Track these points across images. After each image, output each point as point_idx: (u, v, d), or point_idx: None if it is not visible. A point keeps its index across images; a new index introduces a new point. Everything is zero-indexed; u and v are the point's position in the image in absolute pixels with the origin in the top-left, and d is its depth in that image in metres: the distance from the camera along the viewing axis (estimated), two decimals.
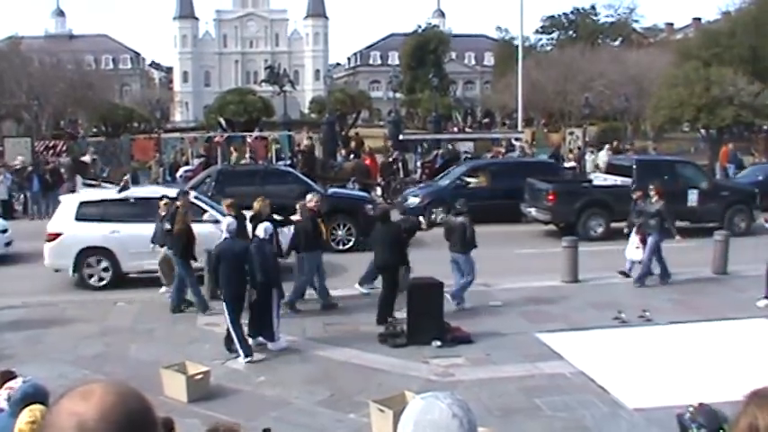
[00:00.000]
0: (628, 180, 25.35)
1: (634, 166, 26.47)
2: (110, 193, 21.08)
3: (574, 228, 24.41)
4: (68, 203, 19.74)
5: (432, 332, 14.16)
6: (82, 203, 19.45)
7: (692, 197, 25.56)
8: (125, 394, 2.03)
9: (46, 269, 19.08)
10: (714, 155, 42.88)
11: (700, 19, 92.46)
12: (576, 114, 65.52)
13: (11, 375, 7.15)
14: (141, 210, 18.86)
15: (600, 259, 20.21)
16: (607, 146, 43.36)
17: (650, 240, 18.28)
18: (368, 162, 37.59)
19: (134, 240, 18.42)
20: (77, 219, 18.94)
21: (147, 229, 17.66)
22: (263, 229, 14.28)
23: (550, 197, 25.37)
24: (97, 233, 18.82)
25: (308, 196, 17.77)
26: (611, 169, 28.67)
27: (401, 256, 16.10)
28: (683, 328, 15.15)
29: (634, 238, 18.69)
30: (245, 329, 13.88)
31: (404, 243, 16.38)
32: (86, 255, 18.81)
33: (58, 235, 18.79)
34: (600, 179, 27.28)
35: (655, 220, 18.36)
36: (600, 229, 25.11)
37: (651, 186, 19.15)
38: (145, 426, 2.03)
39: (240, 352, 13.48)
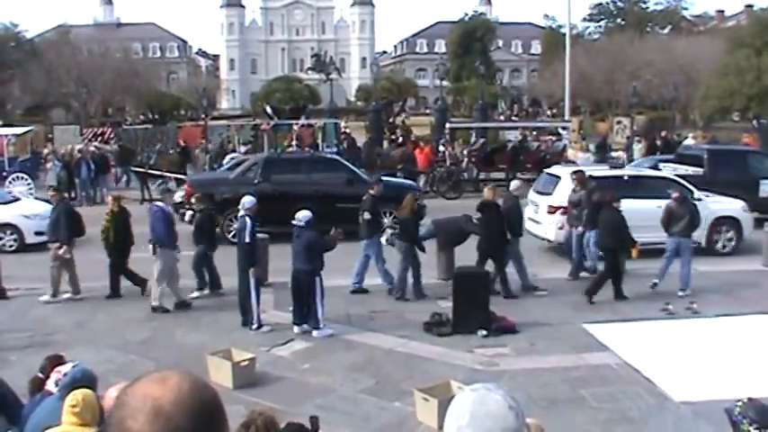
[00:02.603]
0: (699, 170, 25.12)
1: (705, 156, 26.23)
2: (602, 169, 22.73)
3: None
4: (566, 178, 20.25)
5: (477, 321, 14.14)
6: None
7: (765, 188, 25.14)
8: (200, 385, 2.06)
9: (92, 254, 19.20)
10: (765, 144, 42.24)
11: (752, 6, 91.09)
12: (623, 103, 65.10)
13: (60, 360, 7.25)
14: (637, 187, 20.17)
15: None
16: (640, 140, 42.77)
17: (575, 232, 18.17)
18: (418, 152, 37.60)
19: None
20: None
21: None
22: (300, 217, 14.34)
23: None
24: None
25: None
26: (681, 159, 28.32)
27: (621, 240, 16.40)
28: (731, 320, 14.96)
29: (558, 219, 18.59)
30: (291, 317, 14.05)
31: (623, 228, 16.56)
32: None
33: (557, 208, 19.81)
34: (670, 168, 26.86)
35: (577, 210, 18.12)
36: None
37: (572, 174, 18.88)
38: (216, 415, 2.06)
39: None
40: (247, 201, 14.97)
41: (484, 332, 13.98)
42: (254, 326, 14.36)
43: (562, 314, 15.43)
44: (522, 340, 13.90)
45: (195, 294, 16.87)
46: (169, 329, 14.71)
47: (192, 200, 18.06)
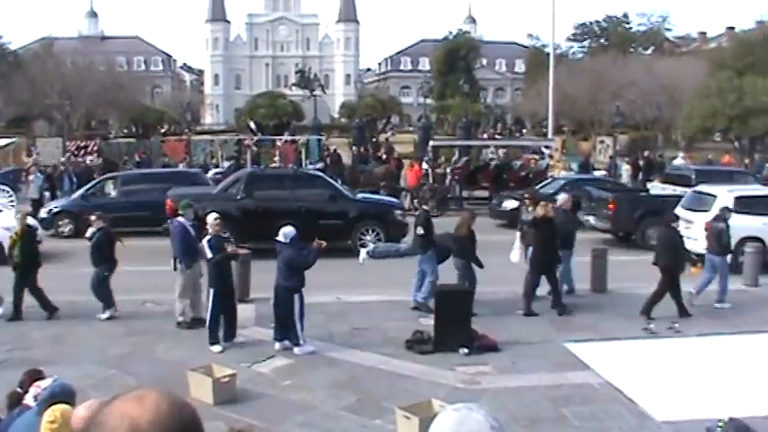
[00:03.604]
0: (687, 190, 25.45)
1: (693, 176, 26.71)
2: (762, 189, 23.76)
3: (631, 237, 24.75)
4: (723, 197, 21.31)
5: (459, 339, 14.12)
6: (738, 198, 21.49)
7: None
8: (178, 404, 2.04)
9: (72, 268, 19.15)
10: (746, 164, 42.58)
11: (734, 28, 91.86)
12: (606, 123, 65.27)
13: (39, 375, 7.19)
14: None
15: (636, 268, 20.03)
16: (626, 162, 43.01)
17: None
18: (408, 169, 37.85)
19: None
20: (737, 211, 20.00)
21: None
22: (283, 234, 14.31)
23: (611, 206, 25.46)
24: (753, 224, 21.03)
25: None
26: (669, 178, 28.83)
27: (678, 258, 16.73)
28: (712, 340, 15.02)
29: (517, 243, 18.43)
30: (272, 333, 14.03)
31: (679, 246, 16.95)
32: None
33: None
34: (657, 189, 27.29)
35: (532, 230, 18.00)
36: None
37: (525, 194, 18.95)
38: None
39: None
40: (211, 218, 14.94)
41: (465, 350, 13.97)
42: (213, 344, 14.33)
43: (544, 332, 15.44)
44: (504, 359, 13.88)
45: (105, 315, 16.45)
46: (150, 345, 14.63)
47: (92, 218, 17.35)
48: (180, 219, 16.20)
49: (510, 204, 28.40)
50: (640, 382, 12.53)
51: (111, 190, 29.07)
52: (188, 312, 15.76)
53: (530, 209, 18.27)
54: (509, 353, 14.15)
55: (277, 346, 14.20)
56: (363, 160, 43.48)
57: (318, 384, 12.56)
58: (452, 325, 14.23)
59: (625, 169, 42.12)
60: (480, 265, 16.98)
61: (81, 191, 29.78)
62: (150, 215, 25.13)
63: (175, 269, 15.88)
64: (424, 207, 17.97)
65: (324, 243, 14.78)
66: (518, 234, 18.13)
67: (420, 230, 17.20)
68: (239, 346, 14.46)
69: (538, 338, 15.00)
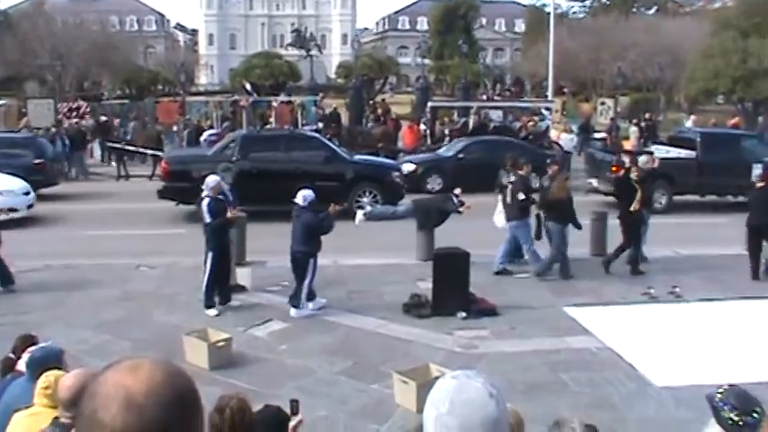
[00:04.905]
0: (691, 153, 25.28)
1: (698, 139, 26.36)
2: None
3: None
4: None
5: (457, 303, 14.16)
6: None
7: (756, 172, 25.10)
8: (174, 373, 2.01)
9: (67, 231, 19.16)
10: (750, 128, 42.41)
11: None
12: (607, 84, 65.07)
13: (32, 340, 7.21)
14: None
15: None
16: (634, 127, 42.77)
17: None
18: (407, 129, 37.82)
19: None
20: None
21: None
22: (302, 197, 14.29)
23: (614, 168, 25.19)
24: None
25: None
26: (673, 141, 28.46)
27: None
28: (713, 305, 15.04)
29: (500, 206, 18.23)
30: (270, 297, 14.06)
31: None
32: None
33: None
34: (662, 151, 27.03)
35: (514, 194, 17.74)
36: (663, 201, 24.80)
37: (507, 157, 18.74)
38: (190, 405, 2.01)
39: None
40: (210, 180, 14.81)
41: (463, 314, 14.00)
42: (209, 308, 14.37)
43: (543, 297, 15.47)
44: (503, 323, 13.91)
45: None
46: (145, 309, 14.64)
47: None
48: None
49: (407, 168, 28.12)
50: (640, 348, 12.56)
51: None
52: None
53: (511, 174, 18.01)
54: (507, 317, 14.18)
55: (310, 305, 14.32)
56: (360, 121, 43.36)
57: (315, 349, 12.59)
58: (450, 289, 14.26)
59: (632, 131, 41.90)
60: (579, 227, 17.11)
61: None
62: None
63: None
64: (520, 171, 17.79)
65: (339, 207, 14.79)
66: (500, 198, 17.96)
67: (522, 195, 17.10)
68: (235, 309, 14.49)
69: (537, 303, 15.02)
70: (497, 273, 16.97)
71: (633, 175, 17.63)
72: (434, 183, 28.75)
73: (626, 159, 19.89)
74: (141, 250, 18.87)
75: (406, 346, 12.77)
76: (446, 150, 31.74)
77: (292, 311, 14.12)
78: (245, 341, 12.82)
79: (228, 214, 14.63)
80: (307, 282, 14.14)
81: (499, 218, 17.88)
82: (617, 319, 14.20)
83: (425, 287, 14.97)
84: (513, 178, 17.61)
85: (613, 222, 18.74)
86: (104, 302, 15.00)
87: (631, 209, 17.30)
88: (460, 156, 30.13)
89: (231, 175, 16.42)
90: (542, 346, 12.79)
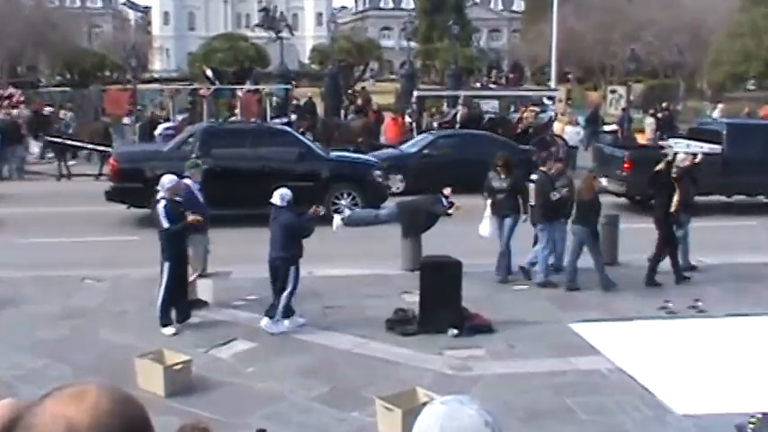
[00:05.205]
0: (716, 147, 25.22)
1: (724, 131, 26.34)
2: None
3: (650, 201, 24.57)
4: None
5: (447, 319, 14.14)
6: None
7: None
8: (123, 400, 1.98)
9: (10, 239, 19.07)
10: None
11: None
12: (619, 69, 65.26)
13: None
14: None
15: (653, 238, 20.08)
16: (650, 118, 42.86)
17: (507, 223, 17.79)
18: (391, 122, 37.89)
19: None
20: None
21: None
22: (278, 196, 14.30)
23: (626, 165, 25.12)
24: None
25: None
26: (695, 134, 28.38)
27: None
28: (741, 321, 15.02)
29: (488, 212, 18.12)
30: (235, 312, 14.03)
31: None
32: None
33: None
34: (682, 145, 27.09)
35: (508, 200, 17.76)
36: None
37: (498, 157, 18.47)
38: None
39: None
40: (166, 181, 14.75)
41: (455, 331, 13.99)
42: (165, 326, 14.29)
43: (546, 312, 15.48)
44: (500, 341, 13.91)
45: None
46: (90, 327, 14.55)
47: None
48: (186, 181, 15.94)
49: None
50: (658, 370, 12.56)
51: None
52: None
53: (503, 175, 17.98)
54: (505, 334, 14.17)
55: (286, 323, 14.31)
56: (338, 113, 43.42)
57: (287, 371, 12.56)
58: (440, 302, 14.24)
59: (647, 123, 42.02)
60: (597, 235, 17.18)
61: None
62: None
63: None
64: (542, 169, 17.89)
65: (321, 209, 14.82)
66: (488, 203, 17.96)
67: (556, 194, 17.20)
68: (195, 327, 14.44)
69: (539, 318, 15.04)
70: (542, 284, 17.10)
71: (503, 183, 17.66)
72: (395, 183, 28.12)
73: (675, 153, 19.82)
74: (86, 260, 18.79)
75: (390, 367, 12.75)
76: (409, 146, 31.77)
77: (264, 321, 14.13)
78: (207, 363, 12.78)
79: (189, 218, 14.57)
80: (287, 292, 14.14)
81: (484, 226, 17.80)
82: (630, 336, 14.20)
83: (412, 301, 14.96)
84: (535, 177, 17.82)
85: (626, 228, 18.83)
86: (42, 320, 14.88)
87: (671, 210, 17.39)
88: (425, 152, 30.20)
89: (200, 173, 16.32)
90: (545, 368, 12.80)
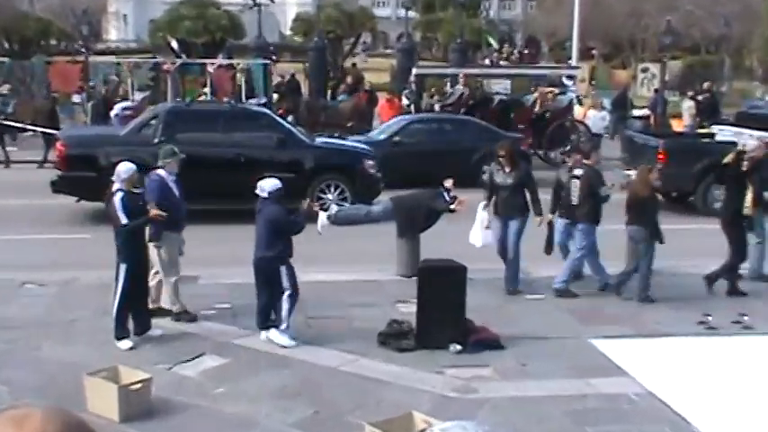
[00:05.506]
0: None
1: None
2: None
3: (688, 199, 24.62)
4: None
5: (449, 333, 14.18)
6: None
7: None
8: (71, 425, 2.00)
9: None
10: None
11: None
12: (652, 44, 65.18)
13: None
14: None
15: (692, 240, 20.13)
16: (689, 101, 42.83)
17: (512, 226, 17.61)
18: (386, 104, 37.94)
19: None
20: None
21: None
22: (261, 187, 14.33)
23: (661, 156, 25.03)
24: None
25: None
26: (743, 120, 28.30)
27: None
28: None
29: (482, 215, 17.94)
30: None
31: None
32: None
33: None
34: (727, 134, 27.00)
35: (514, 197, 17.59)
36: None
37: (499, 147, 18.25)
38: None
39: None
40: (122, 169, 14.70)
41: (458, 347, 14.03)
42: (121, 339, 14.32)
43: (564, 325, 15.54)
44: (510, 359, 13.95)
45: None
46: (32, 341, 14.53)
47: None
48: (159, 171, 15.81)
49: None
50: (694, 395, 12.59)
51: None
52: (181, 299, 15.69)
53: (507, 168, 17.71)
54: (516, 351, 14.22)
55: (263, 336, 14.34)
56: (324, 93, 43.46)
57: (263, 392, 12.59)
58: (441, 313, 14.27)
59: (685, 107, 42.00)
60: (661, 240, 17.13)
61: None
62: None
63: (152, 240, 15.56)
64: (586, 162, 17.98)
65: (316, 205, 14.83)
66: (480, 205, 17.79)
67: (606, 191, 17.40)
68: (156, 341, 14.45)
69: (555, 332, 15.09)
70: (560, 292, 17.22)
71: (509, 179, 17.50)
72: None
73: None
74: (28, 262, 18.78)
75: (383, 388, 12.79)
76: (378, 133, 31.85)
77: (271, 332, 14.24)
78: (170, 383, 12.80)
79: (152, 212, 14.53)
80: (287, 294, 14.17)
81: (477, 234, 17.63)
82: (662, 355, 14.22)
83: (408, 311, 15.02)
84: (578, 172, 17.85)
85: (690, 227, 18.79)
86: None
87: (746, 211, 17.47)
88: (396, 139, 30.23)
89: (178, 163, 16.22)
90: (562, 391, 12.84)
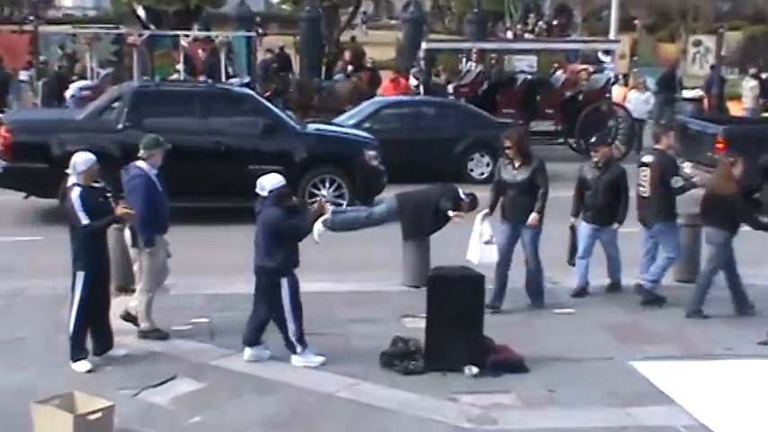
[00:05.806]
0: None
1: None
2: None
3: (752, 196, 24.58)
4: None
5: (464, 353, 14.22)
6: None
7: None
8: None
9: None
10: None
11: None
12: (706, 13, 65.17)
13: None
14: None
15: (753, 245, 20.12)
16: (751, 80, 42.82)
17: (526, 233, 17.38)
18: (391, 84, 37.95)
19: None
20: None
21: None
22: (260, 185, 14.33)
23: (720, 145, 24.91)
24: None
25: None
26: None
27: None
28: None
29: (480, 228, 17.47)
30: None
31: None
32: None
33: None
34: None
35: (526, 197, 17.26)
36: None
37: (505, 137, 17.64)
38: None
39: None
40: (79, 161, 14.56)
41: (475, 369, 14.05)
42: (77, 360, 14.31)
43: (599, 345, 15.55)
44: (536, 384, 13.96)
45: None
46: None
47: None
48: (140, 164, 15.68)
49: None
50: (754, 427, 12.61)
51: None
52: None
53: (516, 162, 17.29)
54: (543, 375, 14.24)
55: (247, 355, 14.40)
56: (318, 71, 43.53)
57: (246, 422, 12.58)
58: (454, 330, 14.27)
59: (747, 87, 41.93)
60: (761, 226, 17.51)
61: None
62: None
63: (135, 245, 15.56)
64: (659, 146, 18.23)
65: (328, 205, 14.82)
66: (479, 216, 17.61)
67: (679, 181, 17.59)
68: (119, 362, 14.47)
69: (589, 353, 15.08)
70: (647, 301, 17.39)
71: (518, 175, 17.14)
72: None
73: None
74: None
75: (387, 418, 12.79)
76: (347, 118, 31.70)
77: (295, 359, 14.38)
78: (136, 411, 12.79)
79: (119, 210, 14.43)
80: (289, 311, 14.22)
81: (473, 250, 17.38)
82: (715, 380, 14.22)
83: (415, 327, 15.04)
84: (647, 159, 18.01)
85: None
86: None
87: None
88: (367, 126, 29.97)
89: (162, 155, 16.12)
90: (597, 422, 12.80)
